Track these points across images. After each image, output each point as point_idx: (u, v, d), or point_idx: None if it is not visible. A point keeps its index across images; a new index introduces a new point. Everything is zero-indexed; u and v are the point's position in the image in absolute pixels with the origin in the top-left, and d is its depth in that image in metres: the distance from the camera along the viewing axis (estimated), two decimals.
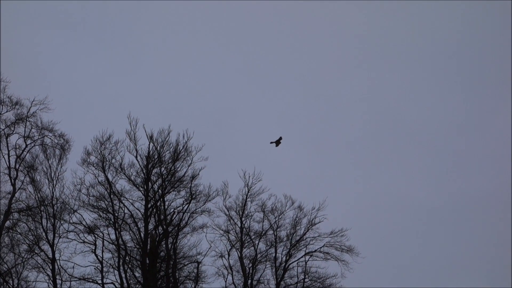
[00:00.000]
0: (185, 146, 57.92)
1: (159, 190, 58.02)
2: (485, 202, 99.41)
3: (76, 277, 56.57)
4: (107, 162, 57.48)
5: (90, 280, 56.72)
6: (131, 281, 57.13)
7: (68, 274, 56.54)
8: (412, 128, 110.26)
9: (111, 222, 57.37)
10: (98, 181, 57.51)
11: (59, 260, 56.46)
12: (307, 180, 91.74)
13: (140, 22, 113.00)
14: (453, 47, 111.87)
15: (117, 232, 57.22)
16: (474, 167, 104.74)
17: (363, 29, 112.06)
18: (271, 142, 60.44)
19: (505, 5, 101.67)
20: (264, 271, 60.83)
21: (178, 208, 58.43)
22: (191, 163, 58.10)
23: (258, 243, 60.90)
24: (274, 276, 60.45)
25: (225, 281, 60.20)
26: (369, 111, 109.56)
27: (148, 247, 56.90)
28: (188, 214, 58.43)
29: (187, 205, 58.33)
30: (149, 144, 57.61)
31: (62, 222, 57.11)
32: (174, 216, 58.39)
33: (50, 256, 56.25)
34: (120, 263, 56.75)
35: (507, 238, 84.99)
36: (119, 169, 57.61)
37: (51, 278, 55.86)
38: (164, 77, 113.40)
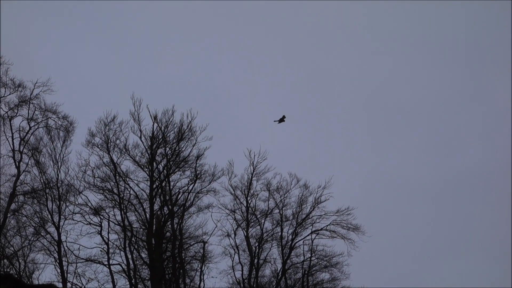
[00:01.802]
0: (189, 126, 57.73)
1: (164, 171, 57.86)
2: (486, 180, 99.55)
3: (82, 259, 56.55)
4: (111, 143, 57.33)
5: (97, 261, 56.68)
6: (137, 262, 57.10)
7: (75, 256, 56.55)
8: (413, 107, 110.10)
9: (116, 203, 57.24)
10: (103, 162, 57.42)
11: (65, 242, 56.40)
12: (311, 159, 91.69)
13: (139, 8, 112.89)
14: (449, 26, 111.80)
15: (122, 213, 57.10)
16: (473, 146, 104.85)
17: (359, 8, 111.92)
18: (275, 121, 60.34)
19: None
20: (270, 250, 60.93)
21: (184, 188, 58.33)
22: (195, 143, 57.97)
23: (264, 222, 60.87)
24: (281, 255, 60.44)
25: (232, 261, 60.24)
26: (369, 89, 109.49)
27: (154, 228, 56.80)
28: (194, 194, 58.35)
29: (192, 185, 58.22)
30: (153, 125, 57.44)
31: (67, 204, 57.03)
32: (180, 196, 58.27)
33: (56, 238, 56.18)
34: (126, 244, 56.66)
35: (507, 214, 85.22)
36: (124, 150, 57.47)
37: (57, 260, 55.80)
38: (165, 58, 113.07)
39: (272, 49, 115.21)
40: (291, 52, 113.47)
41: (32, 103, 57.87)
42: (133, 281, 56.08)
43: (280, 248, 60.48)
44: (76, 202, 57.16)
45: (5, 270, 54.68)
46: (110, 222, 57.20)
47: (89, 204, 57.09)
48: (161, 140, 57.51)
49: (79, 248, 56.56)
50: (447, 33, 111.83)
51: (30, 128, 57.86)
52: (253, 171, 60.54)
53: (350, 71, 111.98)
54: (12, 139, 57.43)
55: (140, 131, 57.23)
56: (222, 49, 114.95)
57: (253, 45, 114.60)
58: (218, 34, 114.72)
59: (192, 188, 58.11)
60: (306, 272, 60.74)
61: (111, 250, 56.81)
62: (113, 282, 56.18)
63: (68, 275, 55.92)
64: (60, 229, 56.28)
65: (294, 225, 60.78)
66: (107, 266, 56.39)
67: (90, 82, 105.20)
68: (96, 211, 56.98)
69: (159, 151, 57.78)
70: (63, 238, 56.25)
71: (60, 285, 55.05)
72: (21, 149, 57.31)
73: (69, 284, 55.78)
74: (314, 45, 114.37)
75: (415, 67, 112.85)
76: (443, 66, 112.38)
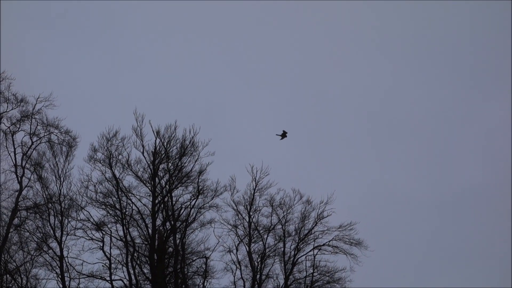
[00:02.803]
0: (191, 141, 57.75)
1: (167, 186, 57.80)
2: (486, 195, 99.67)
3: (84, 274, 56.46)
4: (114, 159, 57.30)
5: (99, 277, 56.59)
6: (139, 277, 56.98)
7: (77, 271, 56.44)
8: (414, 121, 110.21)
9: (118, 218, 57.22)
10: (105, 178, 57.39)
11: (67, 257, 56.34)
12: (312, 174, 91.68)
13: (138, 22, 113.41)
14: (446, 41, 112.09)
15: (125, 228, 57.07)
16: (474, 161, 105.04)
17: (355, 24, 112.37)
18: (277, 134, 60.39)
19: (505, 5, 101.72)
20: (272, 265, 60.66)
21: (186, 204, 58.24)
22: (198, 158, 57.96)
23: (266, 238, 60.73)
24: (283, 271, 60.27)
25: (234, 276, 60.04)
26: (371, 104, 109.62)
27: (156, 243, 56.74)
28: (196, 209, 58.28)
29: (194, 201, 58.17)
30: (155, 140, 57.46)
31: (69, 219, 57.00)
32: (182, 211, 58.20)
33: (58, 253, 56.10)
34: (128, 259, 56.61)
35: (507, 229, 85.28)
36: (126, 165, 57.43)
37: (60, 276, 55.70)
38: (162, 74, 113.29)
39: (273, 63, 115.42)
40: (291, 66, 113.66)
41: (34, 118, 58.06)
42: None
43: (282, 264, 60.36)
44: (78, 218, 57.19)
45: (8, 286, 54.60)
46: (112, 237, 57.20)
47: (91, 220, 57.12)
48: (163, 155, 57.52)
49: (81, 264, 56.55)
50: (447, 43, 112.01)
51: (32, 143, 58.00)
52: (256, 187, 60.50)
53: (351, 86, 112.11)
54: (14, 154, 57.59)
55: (143, 146, 57.32)
56: (222, 63, 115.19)
57: (254, 59, 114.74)
58: (218, 47, 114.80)
59: (194, 203, 58.12)
60: (308, 287, 60.60)
61: (113, 266, 56.81)
62: None
63: None
64: (62, 245, 56.26)
65: (297, 241, 60.68)
66: (109, 281, 56.31)
67: (92, 97, 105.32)
68: (98, 226, 56.94)
69: (161, 166, 57.78)
70: (65, 253, 56.24)
71: None
72: (23, 164, 57.39)
73: None
74: (314, 59, 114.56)
75: (417, 82, 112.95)
76: (446, 82, 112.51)
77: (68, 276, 55.97)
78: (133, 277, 56.27)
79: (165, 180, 57.86)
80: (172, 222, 57.52)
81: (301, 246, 60.65)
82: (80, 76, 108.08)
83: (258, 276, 59.60)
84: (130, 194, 57.45)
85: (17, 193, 56.42)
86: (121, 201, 57.23)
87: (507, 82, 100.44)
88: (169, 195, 57.81)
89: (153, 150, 57.42)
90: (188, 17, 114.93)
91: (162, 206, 57.60)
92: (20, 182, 56.82)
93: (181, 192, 58.37)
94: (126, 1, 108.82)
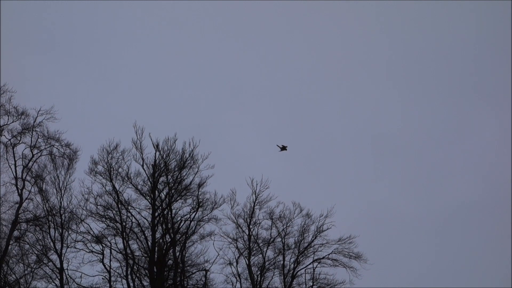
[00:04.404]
0: (191, 154, 57.88)
1: (166, 199, 57.89)
2: (484, 210, 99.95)
3: (84, 287, 56.51)
4: (114, 171, 57.37)
5: None
6: None
7: (76, 284, 56.50)
8: (412, 138, 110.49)
9: (118, 231, 57.28)
10: (106, 190, 57.48)
11: (67, 269, 56.44)
12: (312, 188, 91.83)
13: (137, 32, 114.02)
14: (433, 59, 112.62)
15: (124, 241, 57.12)
16: (471, 177, 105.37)
17: (354, 38, 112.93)
18: (277, 145, 60.55)
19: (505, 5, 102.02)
20: (272, 278, 60.75)
21: (185, 216, 58.32)
22: (197, 171, 58.06)
23: (266, 251, 60.80)
24: (282, 284, 60.31)
25: None
26: (371, 121, 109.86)
27: (156, 256, 56.78)
28: (196, 222, 58.34)
29: (194, 213, 58.23)
30: (155, 153, 57.61)
31: (70, 232, 57.07)
32: (182, 224, 58.27)
33: (58, 266, 56.17)
34: (128, 272, 56.67)
35: (506, 239, 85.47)
36: (126, 178, 57.52)
37: None
38: (161, 88, 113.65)
39: (274, 77, 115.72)
40: (291, 80, 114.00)
41: (35, 130, 58.21)
42: None
43: (282, 277, 60.40)
44: (79, 230, 57.27)
45: None
46: (112, 250, 57.28)
47: (91, 232, 57.18)
48: (163, 168, 57.61)
49: (81, 276, 56.61)
50: (442, 61, 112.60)
51: (33, 155, 58.08)
52: (256, 200, 60.65)
53: (350, 102, 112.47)
54: (15, 166, 57.70)
55: (142, 159, 57.44)
56: (221, 77, 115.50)
57: (254, 73, 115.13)
58: (216, 61, 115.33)
59: (194, 216, 58.17)
60: None
61: (113, 278, 56.85)
62: None
63: None
64: (62, 257, 56.35)
65: (296, 254, 60.77)
66: None
67: (92, 111, 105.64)
68: (98, 239, 57.01)
69: (161, 179, 57.87)
70: (65, 265, 56.37)
71: None
72: (24, 176, 57.47)
73: None
74: (314, 74, 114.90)
75: (414, 99, 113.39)
76: (443, 98, 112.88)
77: None
78: None
79: (164, 193, 57.94)
80: (172, 235, 57.58)
81: (301, 259, 60.73)
82: (80, 90, 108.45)
83: None
84: (129, 207, 57.54)
85: (17, 206, 56.51)
86: (121, 214, 57.32)
87: (507, 98, 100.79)
88: (168, 208, 57.89)
89: (152, 163, 57.53)
90: (187, 24, 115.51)
91: (161, 218, 57.67)
92: (20, 195, 56.92)
93: (180, 204, 58.52)
94: (123, 16, 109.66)
